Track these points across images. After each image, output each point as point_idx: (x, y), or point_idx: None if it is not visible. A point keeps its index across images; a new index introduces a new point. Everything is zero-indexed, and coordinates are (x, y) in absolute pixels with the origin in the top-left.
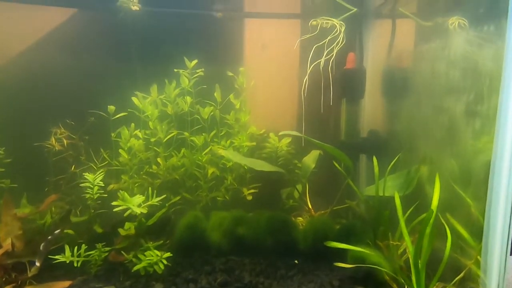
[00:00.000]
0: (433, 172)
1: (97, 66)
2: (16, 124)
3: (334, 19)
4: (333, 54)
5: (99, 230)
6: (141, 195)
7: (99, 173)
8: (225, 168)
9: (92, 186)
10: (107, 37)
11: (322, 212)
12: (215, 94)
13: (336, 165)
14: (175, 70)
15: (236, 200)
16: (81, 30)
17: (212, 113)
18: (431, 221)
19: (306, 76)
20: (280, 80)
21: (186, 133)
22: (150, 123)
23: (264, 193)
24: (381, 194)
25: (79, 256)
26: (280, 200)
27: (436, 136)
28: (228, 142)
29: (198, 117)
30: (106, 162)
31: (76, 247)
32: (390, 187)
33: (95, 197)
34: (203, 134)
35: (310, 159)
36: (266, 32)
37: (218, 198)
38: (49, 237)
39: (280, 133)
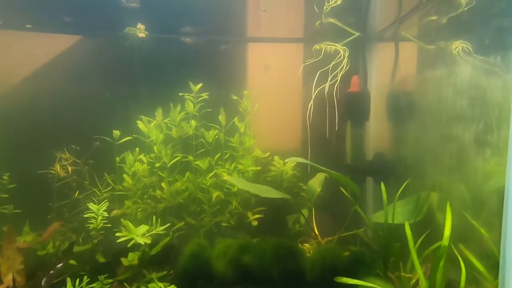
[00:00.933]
0: (443, 199)
1: (103, 91)
2: (21, 149)
3: (336, 44)
4: (337, 79)
5: (101, 259)
6: (145, 222)
7: (103, 203)
8: (229, 192)
9: (96, 216)
10: (113, 63)
11: (329, 238)
12: (219, 118)
13: (343, 191)
14: (180, 94)
15: (240, 225)
16: (88, 56)
17: (216, 137)
18: (444, 255)
19: (311, 101)
20: (283, 103)
21: (190, 157)
22: (155, 148)
23: (269, 218)
24: (390, 221)
25: None
26: (285, 225)
27: (445, 163)
28: (233, 165)
29: (203, 140)
30: (110, 187)
31: (78, 280)
32: (399, 214)
33: (99, 227)
34: (208, 157)
35: (316, 183)
36: (269, 56)
37: (223, 224)
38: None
39: (286, 160)
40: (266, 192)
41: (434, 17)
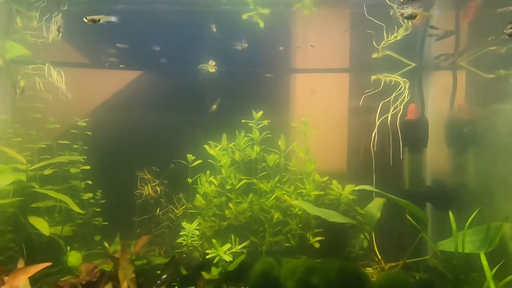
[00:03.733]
0: None
1: (178, 119)
2: (110, 169)
3: (396, 76)
4: (400, 109)
5: (184, 272)
6: (214, 238)
7: (195, 223)
8: (291, 214)
9: (187, 234)
10: (187, 94)
11: (393, 264)
12: (279, 143)
13: (409, 218)
14: (242, 121)
15: (301, 246)
16: (166, 89)
17: (277, 161)
18: None
19: (375, 130)
20: (332, 129)
21: (254, 180)
22: (223, 170)
23: (328, 240)
24: (460, 250)
25: None
26: (343, 248)
27: None
28: (292, 188)
29: (264, 164)
30: (184, 206)
31: None
32: (469, 243)
33: (189, 242)
34: (270, 180)
35: (375, 208)
36: (322, 85)
37: (285, 244)
38: (158, 281)
39: (356, 188)
40: (333, 217)
41: (492, 48)
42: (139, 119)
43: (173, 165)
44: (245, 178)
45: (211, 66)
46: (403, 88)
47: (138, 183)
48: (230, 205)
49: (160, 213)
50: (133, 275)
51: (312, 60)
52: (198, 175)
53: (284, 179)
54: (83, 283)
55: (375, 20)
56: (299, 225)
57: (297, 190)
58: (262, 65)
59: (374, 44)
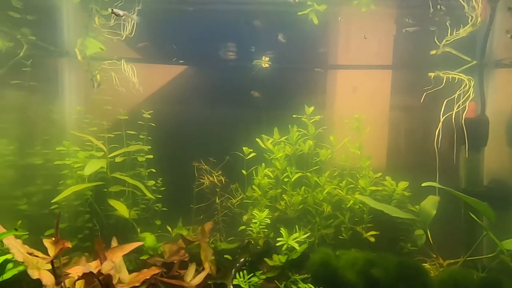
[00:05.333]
0: None
1: (233, 113)
2: (170, 159)
3: (453, 72)
4: (463, 107)
5: (248, 258)
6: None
7: (265, 212)
8: (342, 208)
9: (257, 222)
10: (242, 89)
11: (452, 261)
12: (330, 138)
13: (473, 217)
14: (294, 116)
15: (353, 239)
16: (222, 84)
17: (329, 156)
18: None
19: (439, 128)
20: (389, 127)
21: (308, 173)
22: (277, 163)
23: (380, 235)
24: None
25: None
26: (396, 243)
27: None
28: (344, 182)
29: (316, 158)
30: (241, 196)
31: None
32: None
33: (257, 230)
34: (321, 174)
35: (430, 205)
36: (369, 82)
37: (340, 237)
38: (237, 264)
39: (423, 184)
40: (394, 212)
41: None
42: (197, 113)
43: (228, 157)
44: (300, 172)
45: (264, 62)
46: (467, 86)
47: (195, 172)
48: (285, 197)
49: (219, 201)
50: (213, 257)
51: (368, 57)
52: (254, 167)
53: (335, 174)
54: (174, 262)
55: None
56: (356, 219)
57: (348, 185)
58: (312, 61)
59: (436, 41)
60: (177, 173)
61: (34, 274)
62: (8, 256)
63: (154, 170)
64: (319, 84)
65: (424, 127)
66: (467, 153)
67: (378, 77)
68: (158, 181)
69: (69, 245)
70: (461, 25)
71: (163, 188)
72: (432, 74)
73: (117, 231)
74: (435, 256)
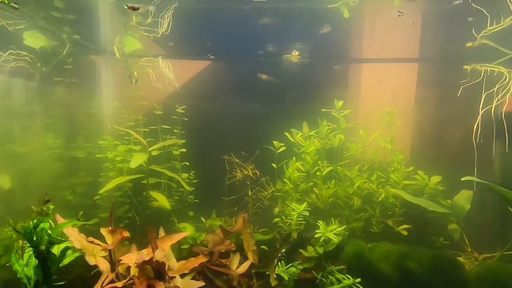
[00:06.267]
0: None
1: (262, 107)
2: (202, 153)
3: (489, 65)
4: (505, 100)
5: (289, 248)
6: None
7: (304, 204)
8: (373, 202)
9: (295, 214)
10: (272, 83)
11: (488, 255)
12: (360, 132)
13: None
14: (323, 110)
15: (384, 232)
16: (252, 79)
17: (360, 150)
18: None
19: (477, 122)
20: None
21: (339, 167)
22: (308, 157)
23: (411, 229)
24: None
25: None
26: (428, 237)
27: None
28: (374, 176)
29: (346, 152)
30: (272, 189)
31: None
32: None
33: (294, 222)
34: (351, 168)
35: (463, 199)
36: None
37: (371, 230)
38: (279, 254)
39: (463, 179)
40: (431, 206)
41: None
42: (228, 107)
43: (258, 150)
44: (330, 165)
45: (294, 56)
46: (507, 79)
47: (226, 166)
48: (315, 190)
49: (251, 194)
50: (255, 247)
51: (396, 50)
52: (283, 161)
53: (364, 168)
54: (222, 251)
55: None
56: (389, 213)
57: (379, 179)
58: (339, 55)
59: (474, 33)
60: (209, 166)
61: (91, 260)
62: (68, 244)
63: (188, 163)
64: (347, 79)
65: (456, 121)
66: (506, 147)
67: (405, 70)
68: (191, 173)
69: (126, 234)
70: (502, 15)
71: (195, 181)
72: (468, 67)
73: (153, 221)
74: (469, 250)
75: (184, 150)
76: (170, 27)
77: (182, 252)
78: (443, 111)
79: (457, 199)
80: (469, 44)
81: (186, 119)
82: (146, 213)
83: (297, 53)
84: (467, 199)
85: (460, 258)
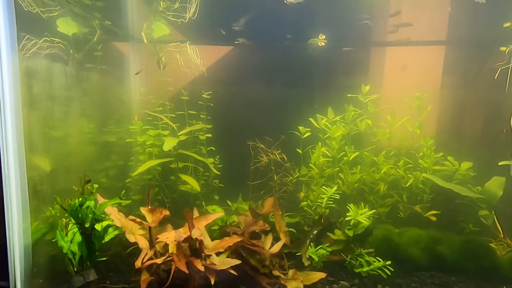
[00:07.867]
0: None
1: (287, 93)
2: (227, 138)
3: None
4: None
5: (320, 230)
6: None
7: (335, 187)
8: (404, 188)
9: (325, 197)
10: (297, 69)
11: None
12: (387, 117)
13: None
14: (348, 95)
15: (412, 218)
16: (277, 64)
17: (387, 135)
18: None
19: None
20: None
21: (366, 152)
22: (334, 143)
23: (440, 215)
24: None
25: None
26: (456, 223)
27: None
28: (402, 162)
29: (373, 138)
30: (297, 174)
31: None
32: None
33: (324, 205)
34: (378, 154)
35: (496, 186)
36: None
37: (398, 215)
38: (311, 236)
39: (500, 163)
40: (464, 191)
41: None
42: (253, 93)
43: (283, 136)
44: (357, 151)
45: (320, 40)
46: None
47: (251, 151)
48: (341, 175)
49: (276, 178)
50: (287, 229)
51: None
52: (308, 146)
53: (391, 153)
54: (256, 231)
55: None
56: (418, 198)
57: (407, 164)
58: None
59: None
60: (234, 151)
61: (130, 238)
62: (109, 222)
63: (214, 148)
64: (374, 63)
65: (487, 106)
66: None
67: (430, 54)
68: (216, 158)
69: (167, 212)
70: None
71: (221, 166)
72: (504, 48)
73: (180, 204)
74: (501, 236)
75: (210, 135)
76: (197, 12)
77: (212, 233)
78: (474, 95)
79: (489, 185)
80: (507, 24)
81: (212, 105)
82: (173, 196)
83: (323, 36)
84: (499, 185)
85: (491, 245)
